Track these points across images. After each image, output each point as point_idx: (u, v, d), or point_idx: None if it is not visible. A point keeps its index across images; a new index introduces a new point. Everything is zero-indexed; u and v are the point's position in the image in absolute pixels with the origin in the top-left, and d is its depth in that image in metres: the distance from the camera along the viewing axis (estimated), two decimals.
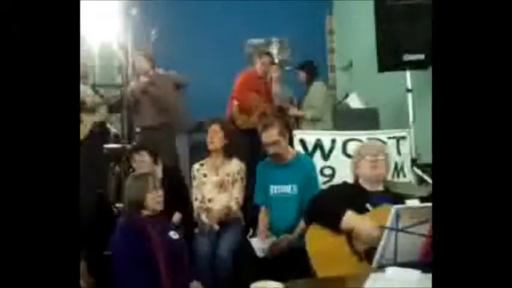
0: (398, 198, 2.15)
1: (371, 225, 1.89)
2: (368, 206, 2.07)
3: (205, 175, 2.93)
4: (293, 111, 4.36)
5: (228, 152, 2.94)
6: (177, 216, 2.77)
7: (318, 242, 2.00)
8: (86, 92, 3.60)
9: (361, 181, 2.26)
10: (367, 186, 2.22)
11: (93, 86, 3.77)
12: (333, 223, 1.97)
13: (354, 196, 2.15)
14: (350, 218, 1.94)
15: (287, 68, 4.67)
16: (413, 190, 2.78)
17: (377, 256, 1.69)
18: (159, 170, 2.99)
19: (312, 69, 4.44)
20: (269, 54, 4.50)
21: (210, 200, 2.87)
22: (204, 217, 2.74)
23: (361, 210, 2.02)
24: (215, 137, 2.89)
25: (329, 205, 2.05)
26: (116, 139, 4.21)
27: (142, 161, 2.91)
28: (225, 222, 2.76)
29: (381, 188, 2.24)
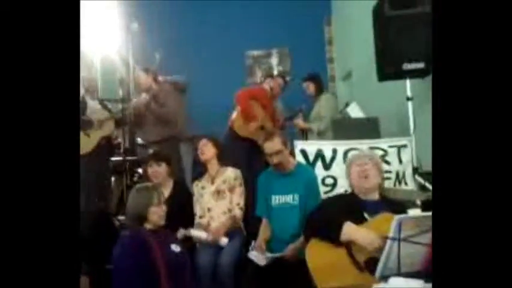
0: (395, 205, 2.18)
1: (371, 235, 1.90)
2: (365, 215, 2.08)
3: (203, 187, 3.01)
4: (299, 123, 4.35)
5: (221, 159, 3.05)
6: (181, 233, 2.76)
7: (318, 256, 2.00)
8: (94, 107, 3.63)
9: (356, 191, 2.27)
10: (362, 196, 2.23)
11: (101, 101, 3.79)
12: (332, 236, 1.97)
13: (350, 207, 2.15)
14: (349, 230, 1.95)
15: (287, 78, 4.67)
16: (412, 196, 2.78)
17: (380, 266, 1.68)
18: (170, 184, 3.04)
19: (320, 81, 4.46)
20: (283, 76, 4.53)
21: (209, 210, 2.92)
22: (204, 234, 2.75)
23: (358, 220, 2.03)
24: (205, 148, 3.02)
25: (327, 219, 2.06)
26: (119, 152, 4.22)
27: (159, 172, 2.99)
28: (227, 233, 2.77)
29: (376, 196, 2.25)
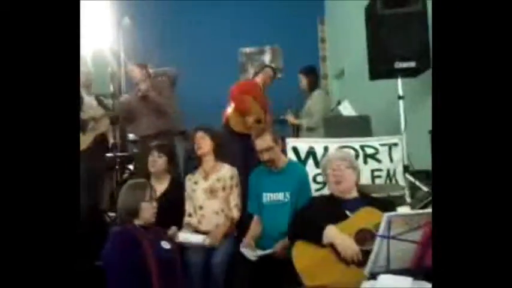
0: (374, 200, 2.26)
1: (349, 242, 1.96)
2: (347, 212, 2.12)
3: (196, 182, 2.91)
4: (290, 119, 4.34)
5: (218, 154, 2.95)
6: (173, 230, 2.71)
7: (304, 257, 2.03)
8: (90, 103, 3.60)
9: (334, 193, 2.31)
10: (341, 196, 2.27)
11: (97, 97, 3.76)
12: (315, 237, 2.02)
13: (332, 208, 2.20)
14: (330, 233, 2.00)
15: (279, 76, 4.67)
16: (388, 191, 2.83)
17: (369, 264, 1.69)
18: (167, 179, 3.00)
19: (315, 75, 4.39)
20: (272, 67, 4.52)
21: (200, 207, 2.84)
22: (199, 238, 2.67)
23: (340, 218, 2.08)
24: (202, 142, 2.91)
25: (309, 221, 2.10)
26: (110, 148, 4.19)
27: (158, 162, 2.94)
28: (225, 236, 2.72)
29: (354, 193, 2.30)
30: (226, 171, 2.89)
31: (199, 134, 2.93)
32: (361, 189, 2.37)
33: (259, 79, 4.29)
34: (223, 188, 2.85)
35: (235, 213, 2.82)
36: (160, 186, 2.94)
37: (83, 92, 3.61)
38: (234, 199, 2.85)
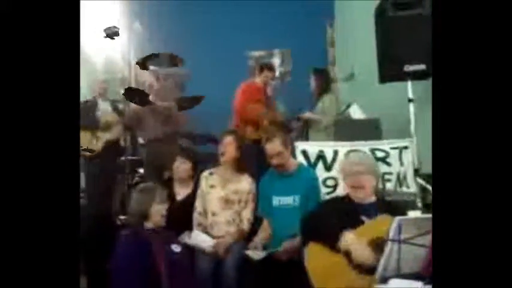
0: (392, 206, 2.19)
1: (367, 250, 1.90)
2: (363, 218, 2.08)
3: (212, 186, 2.85)
4: (306, 115, 4.25)
5: (240, 166, 2.85)
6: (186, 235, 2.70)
7: (317, 258, 2.01)
8: (105, 108, 3.65)
9: (352, 197, 2.24)
10: (358, 201, 2.20)
11: (112, 102, 3.79)
12: (330, 241, 1.97)
13: (347, 211, 2.13)
14: (347, 240, 1.94)
15: (289, 79, 4.65)
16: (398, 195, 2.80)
17: (380, 268, 1.68)
18: (190, 185, 2.98)
19: (325, 79, 4.30)
20: (272, 68, 4.49)
21: (213, 214, 2.80)
22: (206, 242, 2.65)
23: (356, 223, 2.03)
24: (228, 148, 2.82)
25: (325, 223, 2.05)
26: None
27: (181, 168, 2.94)
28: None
29: (372, 198, 2.22)
30: (245, 184, 2.82)
31: (228, 139, 2.84)
32: (378, 193, 2.31)
33: (258, 79, 4.28)
34: (239, 201, 2.79)
35: (246, 226, 2.77)
36: (184, 191, 2.96)
37: (98, 98, 3.67)
38: (247, 214, 2.78)
